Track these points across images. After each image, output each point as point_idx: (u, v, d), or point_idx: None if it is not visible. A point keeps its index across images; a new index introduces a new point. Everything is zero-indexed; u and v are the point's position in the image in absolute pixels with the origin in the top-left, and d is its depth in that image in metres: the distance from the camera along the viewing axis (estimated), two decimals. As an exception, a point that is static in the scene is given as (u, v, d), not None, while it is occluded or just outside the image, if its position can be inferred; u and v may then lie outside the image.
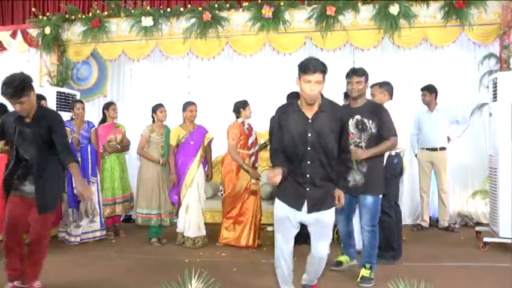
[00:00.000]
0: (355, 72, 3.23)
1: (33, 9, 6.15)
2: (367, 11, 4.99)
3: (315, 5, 5.07)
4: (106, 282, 3.24)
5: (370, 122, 3.14)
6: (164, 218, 4.41)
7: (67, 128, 4.61)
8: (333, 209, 2.52)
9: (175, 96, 5.68)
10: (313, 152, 2.42)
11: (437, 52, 5.33)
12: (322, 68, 2.35)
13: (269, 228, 4.82)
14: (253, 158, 4.39)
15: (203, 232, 4.30)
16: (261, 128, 5.14)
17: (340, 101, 4.28)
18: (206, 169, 4.48)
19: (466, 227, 4.94)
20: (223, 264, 3.65)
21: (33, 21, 5.80)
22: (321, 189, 2.46)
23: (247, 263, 3.72)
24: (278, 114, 2.58)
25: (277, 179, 2.32)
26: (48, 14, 5.88)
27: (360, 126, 3.16)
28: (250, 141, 4.35)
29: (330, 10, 4.93)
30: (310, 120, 2.44)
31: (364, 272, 3.16)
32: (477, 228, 4.53)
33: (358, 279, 3.14)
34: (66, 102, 5.30)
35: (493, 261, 3.65)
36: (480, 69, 5.05)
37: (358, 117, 3.17)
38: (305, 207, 2.47)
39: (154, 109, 4.48)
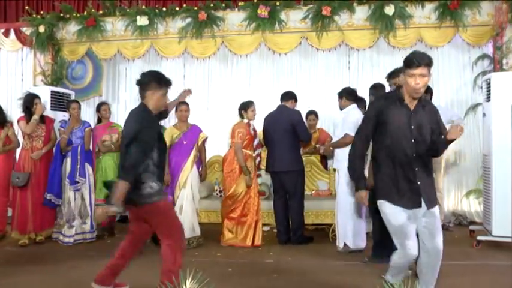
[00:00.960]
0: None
1: (27, 8, 6.09)
2: (362, 12, 5.01)
3: (311, 5, 5.08)
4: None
5: None
6: None
7: (61, 128, 4.62)
8: None
9: (171, 96, 5.62)
10: (417, 145, 2.40)
11: (432, 53, 5.27)
12: (426, 61, 2.29)
13: (265, 228, 4.82)
14: (258, 159, 4.43)
15: (197, 232, 4.29)
16: (256, 127, 5.14)
17: (334, 101, 4.28)
18: (200, 169, 4.47)
19: (460, 226, 4.98)
20: (218, 265, 3.64)
21: (27, 19, 5.73)
22: (428, 183, 2.43)
23: (243, 263, 3.71)
24: (376, 106, 2.50)
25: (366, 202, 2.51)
26: (42, 12, 5.83)
27: None
28: (255, 142, 4.38)
29: (326, 10, 4.94)
30: (412, 113, 2.42)
31: None
32: (471, 227, 4.57)
33: None
34: (60, 101, 5.26)
35: (487, 259, 3.68)
36: (474, 69, 5.10)
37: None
38: (424, 204, 2.40)
39: None
